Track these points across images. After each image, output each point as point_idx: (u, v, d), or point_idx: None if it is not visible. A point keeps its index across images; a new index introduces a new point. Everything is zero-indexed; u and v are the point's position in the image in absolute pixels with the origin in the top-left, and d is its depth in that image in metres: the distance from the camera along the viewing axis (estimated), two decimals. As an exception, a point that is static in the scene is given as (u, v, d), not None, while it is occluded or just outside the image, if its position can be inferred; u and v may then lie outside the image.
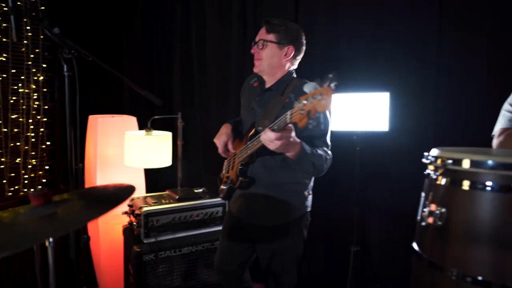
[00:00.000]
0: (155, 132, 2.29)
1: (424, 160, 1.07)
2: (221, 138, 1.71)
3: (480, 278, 0.90)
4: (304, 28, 1.76)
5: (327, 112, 1.59)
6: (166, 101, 3.28)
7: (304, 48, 1.68)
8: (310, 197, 1.70)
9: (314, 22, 2.51)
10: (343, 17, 2.44)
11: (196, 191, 2.30)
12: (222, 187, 1.75)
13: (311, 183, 1.72)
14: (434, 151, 1.05)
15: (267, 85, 1.69)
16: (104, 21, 3.11)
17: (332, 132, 2.25)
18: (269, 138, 1.31)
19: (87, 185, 2.48)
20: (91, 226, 2.46)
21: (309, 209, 1.70)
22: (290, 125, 1.30)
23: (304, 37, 1.68)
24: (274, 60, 1.60)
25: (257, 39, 1.62)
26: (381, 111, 2.15)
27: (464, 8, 2.07)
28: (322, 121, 1.57)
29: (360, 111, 2.20)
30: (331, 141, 2.27)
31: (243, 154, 1.60)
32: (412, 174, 1.53)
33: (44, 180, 2.82)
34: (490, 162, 0.90)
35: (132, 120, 2.59)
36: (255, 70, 1.66)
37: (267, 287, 1.74)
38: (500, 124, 1.39)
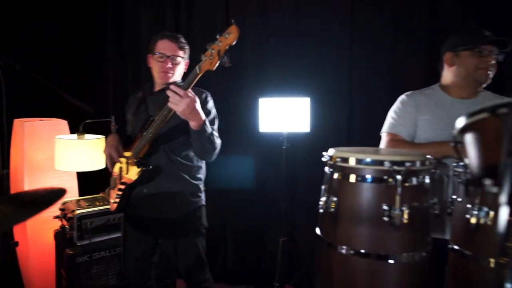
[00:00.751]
0: (87, 135, 2.30)
1: (323, 159, 1.29)
2: (112, 146, 1.69)
3: (362, 251, 1.14)
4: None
5: (214, 111, 1.76)
6: (100, 105, 3.26)
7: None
8: (204, 192, 1.84)
9: (244, 22, 2.69)
10: (271, 27, 2.65)
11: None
12: (114, 199, 1.74)
13: (203, 179, 1.86)
14: (330, 151, 1.27)
15: (158, 88, 1.79)
16: (37, 24, 2.99)
17: (261, 133, 2.48)
18: (178, 96, 1.37)
19: (13, 191, 2.39)
20: (19, 232, 2.38)
21: (204, 203, 1.83)
22: (193, 94, 1.42)
23: None
24: (181, 72, 1.79)
25: (169, 53, 1.69)
26: (303, 114, 2.40)
27: (371, 20, 2.40)
28: (212, 115, 1.73)
29: (285, 114, 2.43)
30: (261, 141, 2.46)
31: (140, 146, 1.64)
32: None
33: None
34: (368, 159, 1.14)
35: (62, 124, 2.55)
36: (168, 80, 1.72)
37: (186, 282, 1.85)
38: (386, 127, 1.67)
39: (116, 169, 1.83)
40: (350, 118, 2.51)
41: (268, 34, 2.65)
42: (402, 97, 1.66)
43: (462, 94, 1.55)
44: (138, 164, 1.67)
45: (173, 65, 1.71)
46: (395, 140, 1.61)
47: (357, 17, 2.44)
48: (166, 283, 2.21)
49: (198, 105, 1.45)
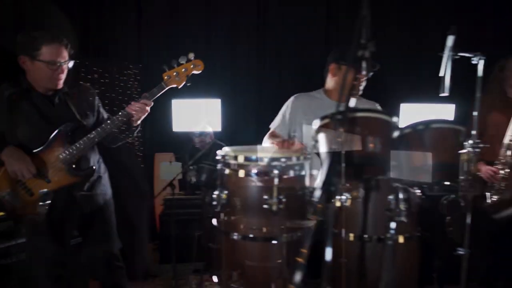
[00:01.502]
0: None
1: (217, 157, 1.43)
2: (25, 160, 1.57)
3: (251, 235, 1.31)
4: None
5: None
6: None
7: None
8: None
9: (156, 24, 2.74)
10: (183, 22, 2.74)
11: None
12: (40, 204, 1.63)
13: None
14: (223, 150, 1.42)
15: (45, 92, 1.67)
16: None
17: (175, 133, 2.56)
18: (148, 105, 1.67)
19: None
20: None
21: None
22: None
23: None
24: None
25: (62, 60, 1.61)
26: (215, 114, 2.55)
27: (277, 24, 2.64)
28: None
29: (198, 115, 2.55)
30: (177, 140, 2.53)
31: (77, 152, 1.62)
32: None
33: None
34: (253, 157, 1.32)
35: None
36: (60, 86, 1.65)
37: (102, 282, 1.87)
38: (271, 124, 1.91)
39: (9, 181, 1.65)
40: (258, 117, 2.72)
41: (179, 35, 2.73)
42: (291, 98, 1.89)
43: (339, 99, 1.82)
44: (76, 171, 1.65)
45: (64, 70, 1.63)
46: (271, 135, 1.86)
47: (265, 21, 2.66)
48: (78, 283, 2.18)
49: None
